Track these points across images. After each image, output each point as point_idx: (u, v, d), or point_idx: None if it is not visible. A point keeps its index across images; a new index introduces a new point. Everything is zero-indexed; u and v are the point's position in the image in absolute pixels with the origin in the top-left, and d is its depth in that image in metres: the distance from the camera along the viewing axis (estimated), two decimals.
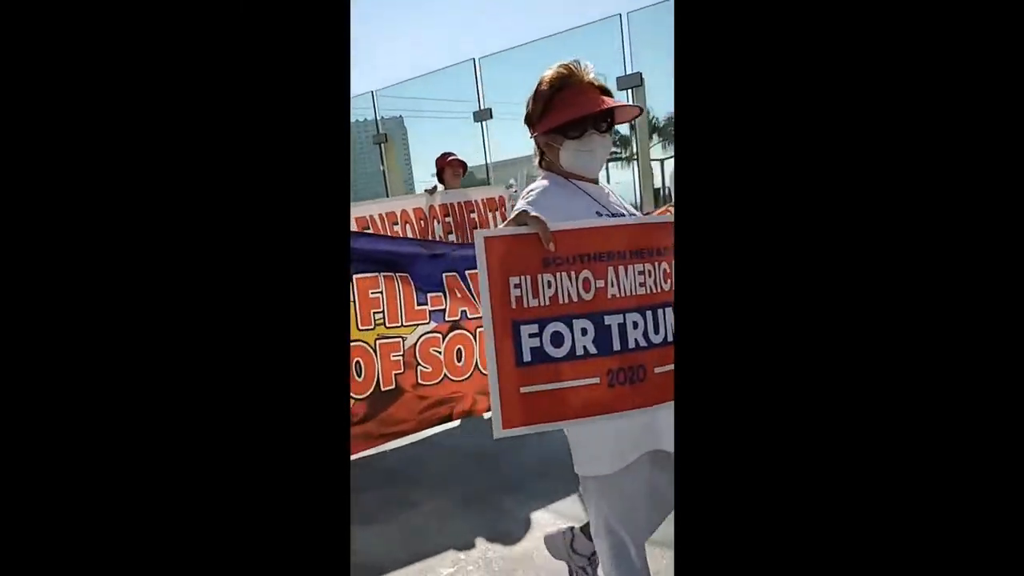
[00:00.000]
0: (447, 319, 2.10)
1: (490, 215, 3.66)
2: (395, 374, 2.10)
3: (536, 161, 1.38)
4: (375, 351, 2.06)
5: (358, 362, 2.06)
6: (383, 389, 2.10)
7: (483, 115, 13.40)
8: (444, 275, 2.13)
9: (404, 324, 2.06)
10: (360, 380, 2.07)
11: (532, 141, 1.35)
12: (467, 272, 2.17)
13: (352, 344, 2.04)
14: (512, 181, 3.86)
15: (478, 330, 2.14)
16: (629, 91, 10.14)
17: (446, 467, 2.81)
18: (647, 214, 2.18)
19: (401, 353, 2.08)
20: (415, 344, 2.08)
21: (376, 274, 2.01)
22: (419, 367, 2.10)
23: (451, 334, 2.11)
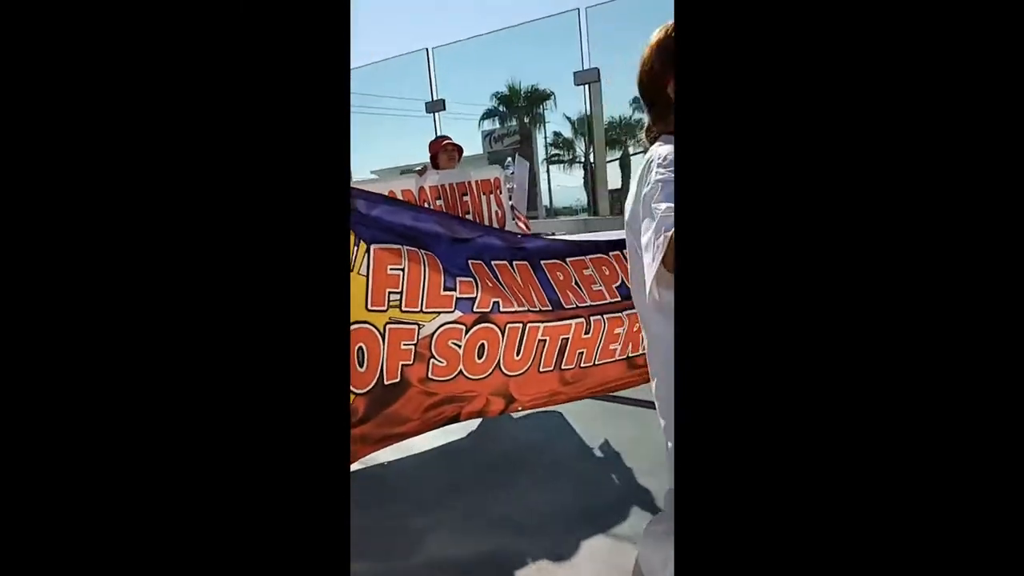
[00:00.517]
0: (476, 310, 1.80)
1: (483, 198, 3.38)
2: (402, 365, 1.79)
3: (646, 129, 1.26)
4: (383, 336, 1.74)
5: (360, 348, 1.73)
6: (386, 383, 1.79)
7: (436, 106, 13.07)
8: (470, 262, 1.84)
9: (424, 310, 1.74)
10: (362, 371, 1.74)
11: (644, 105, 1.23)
12: (494, 263, 1.90)
13: (356, 327, 1.72)
14: (509, 160, 3.59)
15: (508, 326, 1.87)
16: (586, 86, 10.10)
17: (408, 465, 2.63)
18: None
19: (414, 342, 1.77)
20: (432, 334, 1.77)
21: (399, 247, 1.70)
22: (432, 360, 1.80)
23: (476, 327, 1.82)
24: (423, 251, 1.73)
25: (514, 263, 1.95)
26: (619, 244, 2.19)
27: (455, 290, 1.76)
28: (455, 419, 1.93)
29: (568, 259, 2.06)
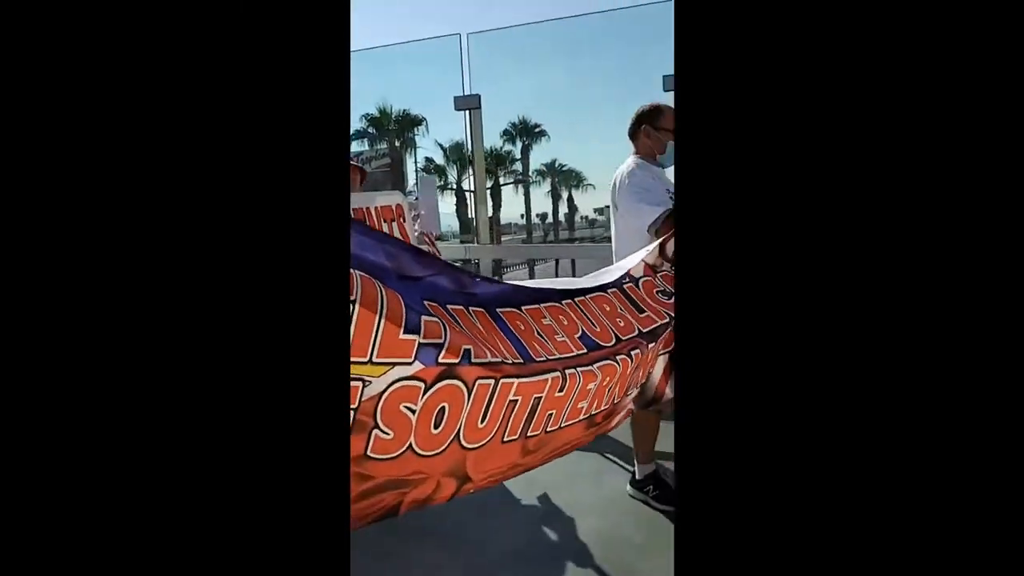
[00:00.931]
0: (441, 360, 1.31)
1: (385, 226, 2.93)
2: None
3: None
4: None
5: None
6: None
7: None
8: (426, 303, 1.37)
9: (374, 361, 1.23)
10: None
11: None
12: (450, 307, 1.44)
13: None
14: (412, 188, 3.19)
15: (478, 382, 1.39)
16: (467, 112, 9.85)
17: None
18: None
19: (355, 407, 1.24)
20: (380, 396, 1.26)
21: (351, 271, 1.18)
22: (375, 431, 1.28)
23: (438, 384, 1.32)
24: (380, 283, 1.23)
25: (471, 309, 1.50)
26: (570, 293, 1.83)
27: (419, 333, 1.26)
28: (395, 511, 1.41)
29: (524, 308, 1.66)
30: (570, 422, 1.73)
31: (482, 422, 1.44)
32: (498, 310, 1.58)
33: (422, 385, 1.29)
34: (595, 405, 1.82)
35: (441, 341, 1.30)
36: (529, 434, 1.59)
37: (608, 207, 2.70)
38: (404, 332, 1.23)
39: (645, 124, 2.59)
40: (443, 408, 1.34)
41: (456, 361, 1.33)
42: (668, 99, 4.61)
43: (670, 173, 2.64)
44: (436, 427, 1.35)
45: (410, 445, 1.33)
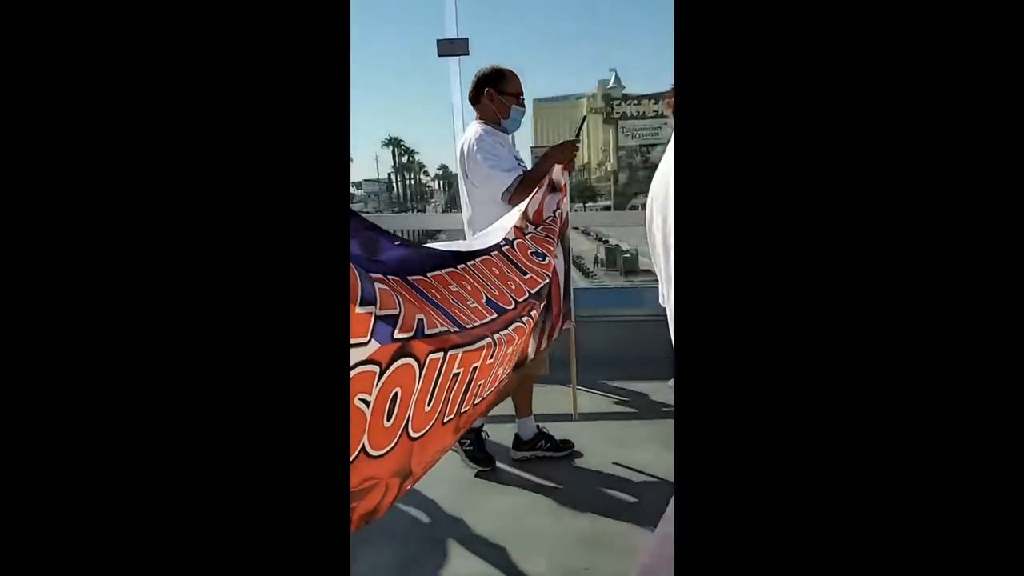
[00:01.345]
0: (397, 336, 1.05)
1: None
2: None
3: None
4: None
5: None
6: None
7: None
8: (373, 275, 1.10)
9: None
10: None
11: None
12: (371, 275, 1.18)
13: None
14: None
15: (429, 357, 1.15)
16: None
17: None
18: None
19: None
20: None
21: None
22: None
23: (394, 365, 1.05)
24: None
25: (389, 278, 1.26)
26: (461, 257, 1.68)
27: (375, 304, 0.99)
28: None
29: (429, 274, 1.46)
30: (490, 391, 1.58)
31: (428, 404, 1.22)
32: (409, 278, 1.36)
33: (377, 369, 1.03)
34: (505, 371, 1.69)
35: (396, 312, 1.05)
36: (463, 410, 1.40)
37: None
38: (360, 305, 0.96)
39: (489, 88, 2.48)
40: (395, 395, 1.10)
41: (411, 335, 1.08)
42: (443, 64, 4.44)
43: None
44: (388, 419, 1.10)
45: (363, 447, 1.06)
